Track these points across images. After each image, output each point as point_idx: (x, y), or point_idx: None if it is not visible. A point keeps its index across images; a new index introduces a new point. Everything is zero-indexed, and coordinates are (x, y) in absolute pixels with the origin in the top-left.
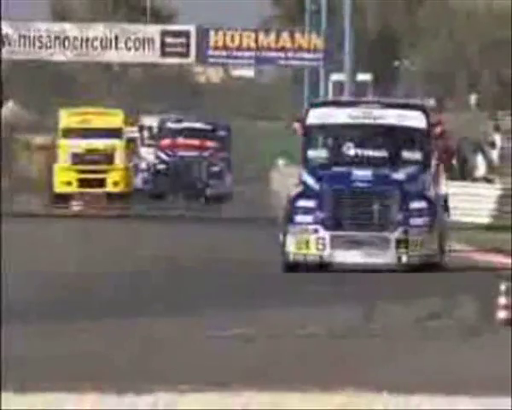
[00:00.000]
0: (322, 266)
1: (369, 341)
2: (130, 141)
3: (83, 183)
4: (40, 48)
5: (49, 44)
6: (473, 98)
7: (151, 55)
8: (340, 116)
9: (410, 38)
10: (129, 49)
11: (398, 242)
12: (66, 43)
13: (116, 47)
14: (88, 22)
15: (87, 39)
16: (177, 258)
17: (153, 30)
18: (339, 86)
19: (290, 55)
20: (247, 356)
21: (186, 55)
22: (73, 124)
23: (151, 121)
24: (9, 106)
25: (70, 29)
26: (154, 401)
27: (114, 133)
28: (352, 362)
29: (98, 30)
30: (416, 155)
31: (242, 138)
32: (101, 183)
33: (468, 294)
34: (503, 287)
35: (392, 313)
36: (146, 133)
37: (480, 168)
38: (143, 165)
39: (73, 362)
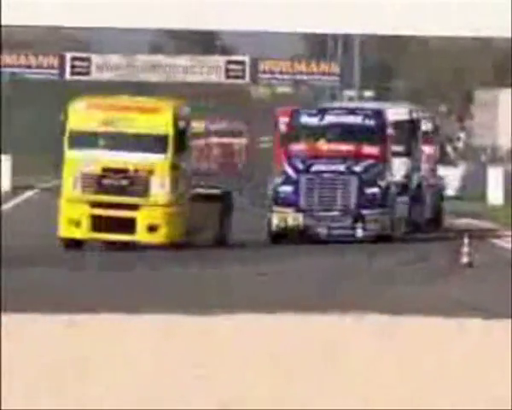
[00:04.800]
0: None
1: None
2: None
3: (98, 224)
4: (141, 72)
5: (147, 70)
6: (443, 107)
7: (218, 78)
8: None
9: (400, 65)
10: (202, 73)
11: None
12: (160, 69)
13: (194, 72)
14: (175, 54)
15: (174, 66)
16: None
17: (219, 60)
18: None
19: (316, 77)
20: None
21: (243, 77)
22: (89, 125)
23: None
24: None
25: (162, 59)
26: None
27: (156, 143)
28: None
29: (182, 60)
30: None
31: None
32: (127, 226)
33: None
34: (466, 239)
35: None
36: None
37: (450, 156)
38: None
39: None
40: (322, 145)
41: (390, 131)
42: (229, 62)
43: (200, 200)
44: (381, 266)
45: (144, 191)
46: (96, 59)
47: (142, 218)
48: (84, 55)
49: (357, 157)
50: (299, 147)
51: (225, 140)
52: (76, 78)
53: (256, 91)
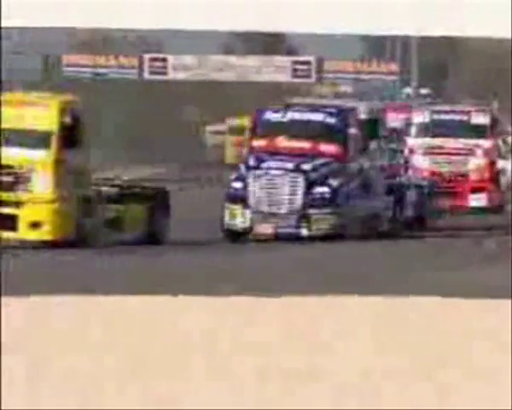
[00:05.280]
0: None
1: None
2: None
3: None
4: (213, 72)
5: (219, 70)
6: (495, 103)
7: (285, 77)
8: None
9: (452, 65)
10: (270, 73)
11: None
12: (231, 69)
13: (262, 72)
14: (245, 55)
15: (244, 66)
16: None
17: (286, 60)
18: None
19: (377, 76)
20: None
21: (308, 76)
22: None
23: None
24: (189, 108)
25: (233, 60)
26: None
27: (39, 139)
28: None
29: (251, 60)
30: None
31: None
32: (10, 223)
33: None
34: None
35: None
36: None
37: (501, 150)
38: None
39: None
40: (281, 142)
41: (353, 130)
42: (296, 62)
43: (131, 199)
44: (422, 253)
45: (27, 188)
46: (171, 60)
47: (24, 215)
48: (160, 55)
49: (315, 155)
50: (258, 143)
51: None
52: (154, 77)
53: (319, 90)
